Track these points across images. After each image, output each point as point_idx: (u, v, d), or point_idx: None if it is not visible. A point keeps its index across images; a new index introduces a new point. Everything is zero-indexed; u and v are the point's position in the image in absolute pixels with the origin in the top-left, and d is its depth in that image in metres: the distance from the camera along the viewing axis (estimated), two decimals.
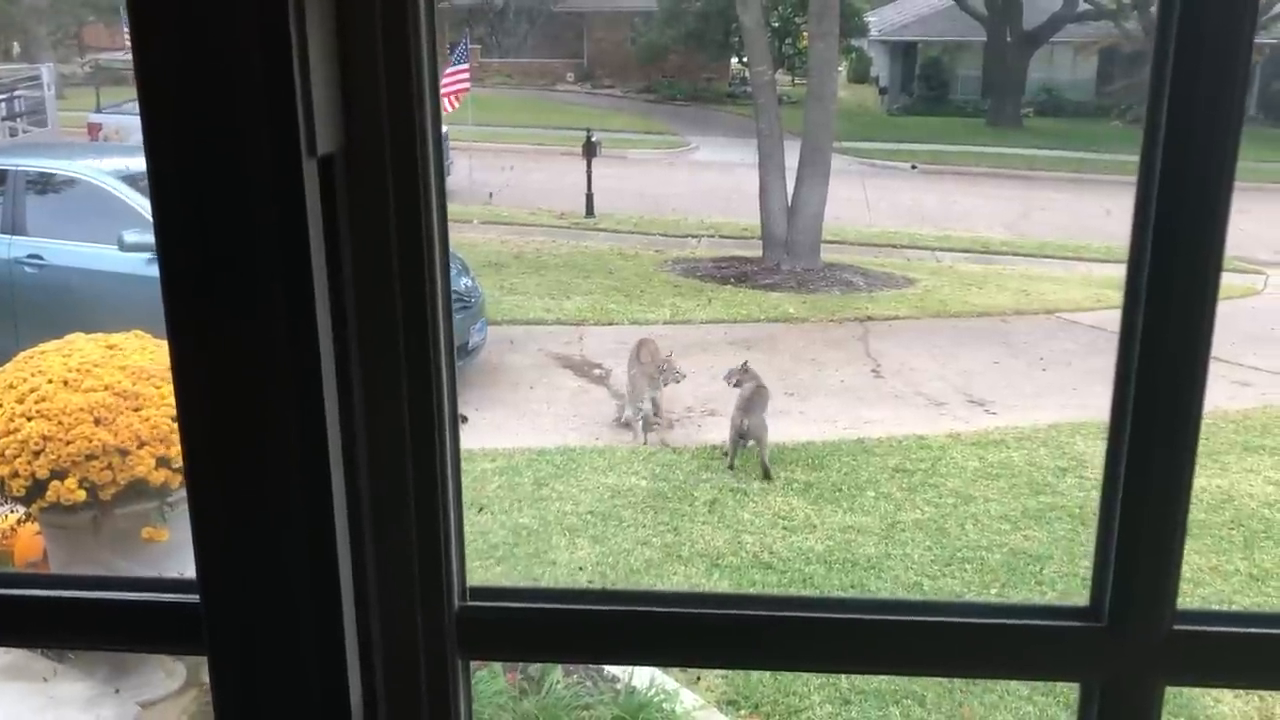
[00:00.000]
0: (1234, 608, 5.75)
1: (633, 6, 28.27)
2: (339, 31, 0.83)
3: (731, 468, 7.50)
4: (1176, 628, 0.94)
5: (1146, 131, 0.87)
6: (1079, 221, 15.59)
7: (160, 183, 0.81)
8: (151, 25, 0.79)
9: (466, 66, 14.43)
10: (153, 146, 0.81)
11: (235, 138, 0.79)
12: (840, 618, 1.00)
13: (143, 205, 8.24)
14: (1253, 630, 0.95)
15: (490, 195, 15.07)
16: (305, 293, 0.82)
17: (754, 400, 7.57)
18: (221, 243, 0.81)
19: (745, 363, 8.04)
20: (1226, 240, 0.88)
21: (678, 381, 8.27)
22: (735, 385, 7.80)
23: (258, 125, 0.79)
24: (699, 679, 4.92)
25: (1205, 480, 7.33)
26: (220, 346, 0.84)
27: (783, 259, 13.10)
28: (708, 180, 18.53)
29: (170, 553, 4.50)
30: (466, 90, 14.39)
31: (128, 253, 7.81)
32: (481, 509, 6.67)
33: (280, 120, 0.78)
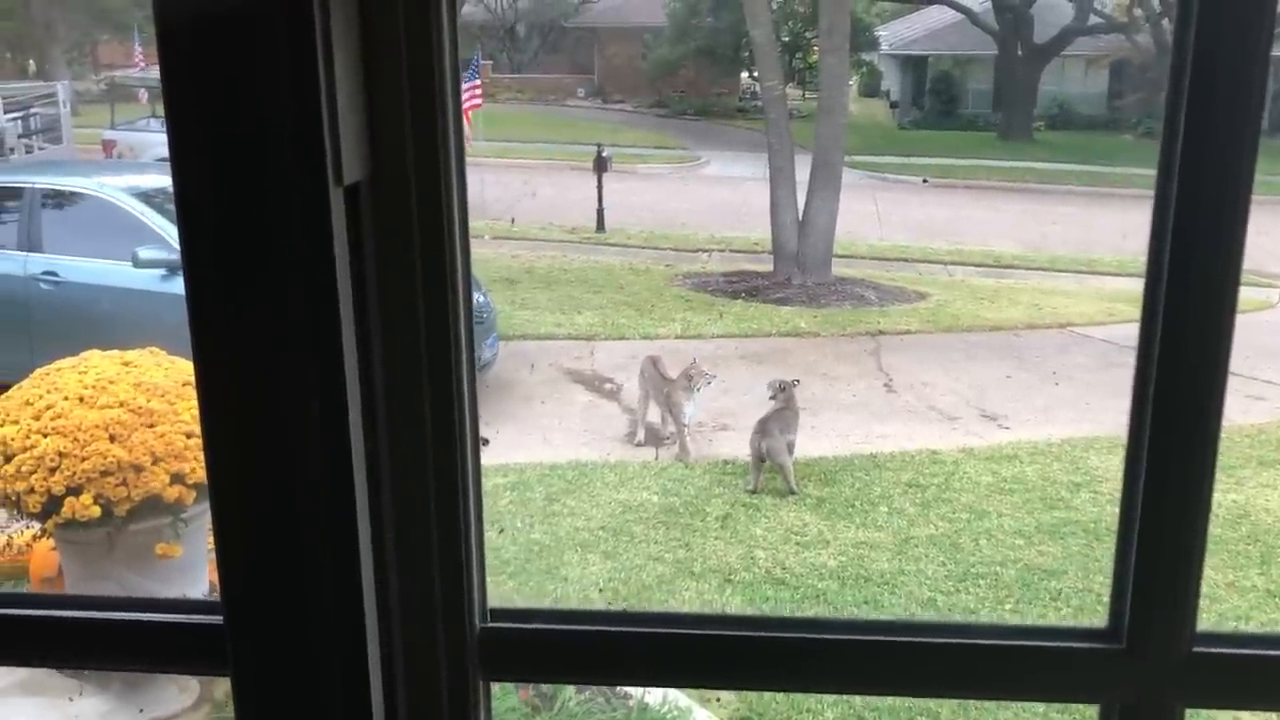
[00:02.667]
0: (1253, 628, 5.72)
1: (643, 22, 28.37)
2: (364, 62, 0.85)
3: (755, 491, 7.38)
4: (1196, 649, 0.94)
5: (1163, 147, 0.88)
6: (1091, 235, 15.55)
7: (188, 211, 0.83)
8: (180, 56, 0.80)
9: (478, 82, 14.50)
10: (181, 175, 0.82)
11: (263, 167, 0.81)
12: (856, 639, 1.00)
13: (157, 222, 8.30)
14: (1274, 652, 0.95)
15: (513, 220, 15.07)
16: (331, 319, 0.83)
17: (770, 422, 7.52)
18: (249, 271, 0.83)
19: (795, 381, 7.95)
20: (1244, 255, 0.89)
21: (709, 383, 8.24)
22: (770, 399, 7.75)
23: (285, 155, 0.80)
24: (718, 698, 4.91)
25: (1220, 495, 7.29)
26: (247, 371, 0.85)
27: (794, 273, 13.10)
28: (718, 195, 18.55)
29: (184, 569, 4.52)
30: (478, 106, 14.45)
31: (142, 269, 7.86)
32: (502, 530, 6.65)
33: (307, 150, 0.80)
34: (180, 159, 0.82)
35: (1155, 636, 0.94)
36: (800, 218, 13.28)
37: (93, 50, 27.47)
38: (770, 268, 13.47)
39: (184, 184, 0.82)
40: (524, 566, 6.39)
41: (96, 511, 4.24)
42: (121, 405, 4.43)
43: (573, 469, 7.76)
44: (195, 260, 0.83)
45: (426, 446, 0.94)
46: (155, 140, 14.43)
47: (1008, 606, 6.04)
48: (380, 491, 0.94)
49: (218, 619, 0.96)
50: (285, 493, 0.89)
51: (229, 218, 0.82)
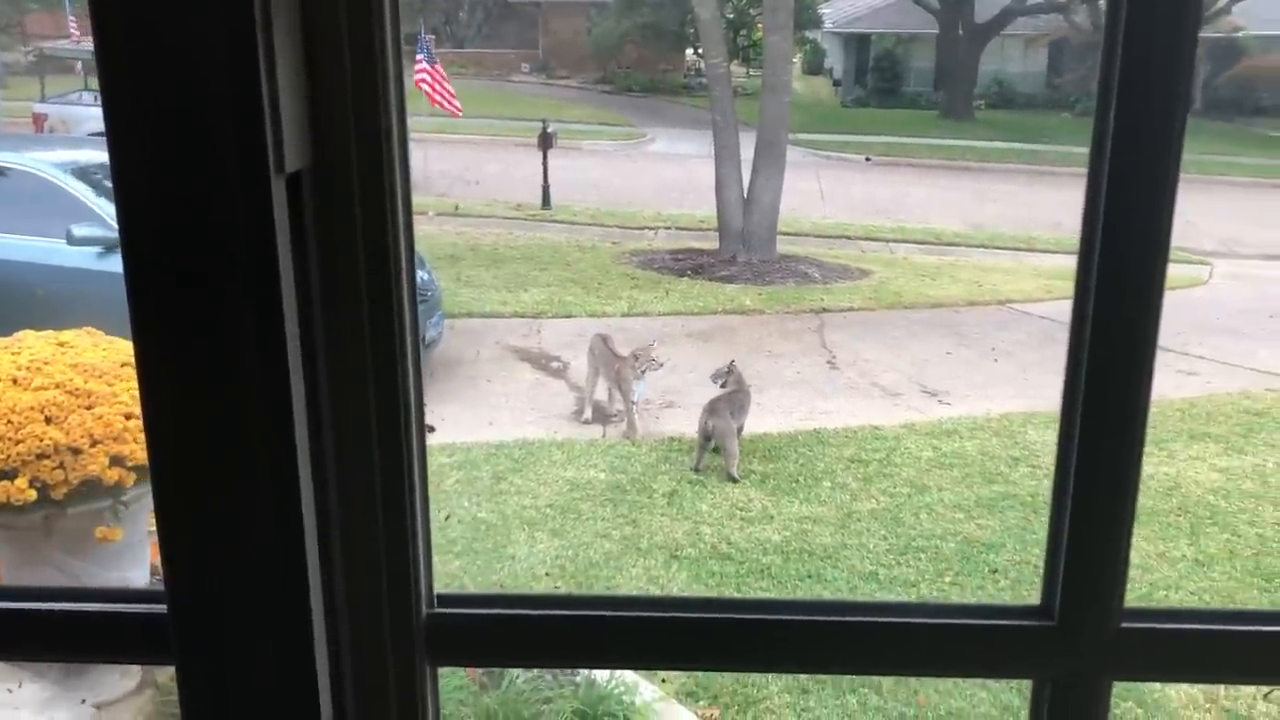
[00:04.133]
0: (1183, 597, 5.88)
1: None
2: (306, 49, 0.84)
3: (696, 470, 7.41)
4: (1125, 625, 0.97)
5: (1096, 124, 0.89)
6: (1030, 213, 15.80)
7: (128, 201, 0.81)
8: (117, 44, 0.79)
9: (423, 56, 14.30)
10: (120, 165, 0.81)
11: (203, 156, 0.80)
12: (795, 619, 1.02)
13: (92, 199, 8.11)
14: (1197, 627, 0.99)
15: (456, 208, 14.83)
16: (274, 310, 0.83)
17: (721, 402, 7.57)
18: (189, 261, 0.82)
19: (731, 362, 8.01)
20: (1173, 230, 0.91)
21: (657, 369, 8.25)
22: (721, 386, 7.79)
23: (226, 144, 0.79)
24: (664, 678, 4.95)
25: (1152, 468, 7.48)
26: (188, 363, 0.84)
27: (739, 251, 13.17)
28: (664, 172, 18.55)
29: (123, 552, 4.45)
30: (422, 82, 14.23)
31: (77, 247, 7.68)
32: (449, 515, 6.61)
33: (248, 138, 0.79)
34: (117, 148, 0.81)
35: (1086, 614, 0.97)
36: (745, 195, 13.34)
37: (21, 21, 26.65)
38: (716, 245, 13.53)
39: (122, 175, 0.81)
40: (471, 546, 6.38)
41: (32, 495, 4.15)
42: (57, 387, 4.34)
43: (520, 447, 7.75)
44: (135, 252, 0.82)
45: (371, 433, 0.94)
46: (88, 114, 14.07)
47: (947, 579, 6.16)
48: (325, 478, 0.94)
49: (161, 608, 0.95)
50: (228, 481, 0.89)
51: (168, 209, 0.81)
